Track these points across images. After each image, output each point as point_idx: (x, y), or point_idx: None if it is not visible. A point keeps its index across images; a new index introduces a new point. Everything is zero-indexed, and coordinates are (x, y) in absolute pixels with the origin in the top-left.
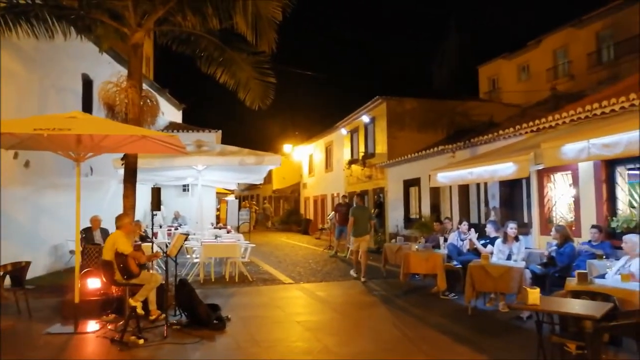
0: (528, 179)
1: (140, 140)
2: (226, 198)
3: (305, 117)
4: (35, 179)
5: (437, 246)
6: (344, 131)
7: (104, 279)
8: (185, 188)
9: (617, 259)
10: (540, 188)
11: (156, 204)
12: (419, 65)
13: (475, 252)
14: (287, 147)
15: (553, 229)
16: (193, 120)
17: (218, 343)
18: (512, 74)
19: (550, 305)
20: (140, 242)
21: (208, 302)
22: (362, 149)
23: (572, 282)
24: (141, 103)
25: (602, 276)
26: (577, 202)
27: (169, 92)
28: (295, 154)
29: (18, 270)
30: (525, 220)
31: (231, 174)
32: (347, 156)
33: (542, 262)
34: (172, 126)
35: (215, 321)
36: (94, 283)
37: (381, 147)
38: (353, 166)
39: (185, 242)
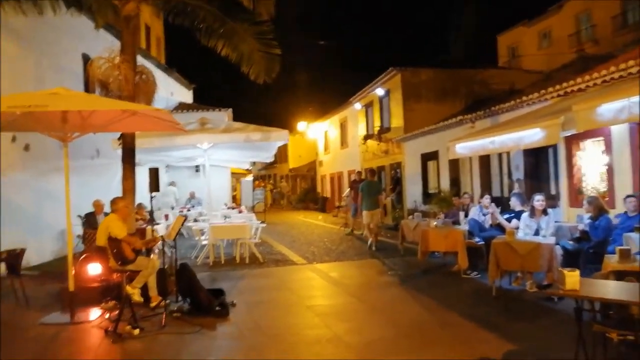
0: (555, 148)
1: (131, 117)
2: (244, 179)
3: (319, 93)
4: (36, 163)
5: (457, 222)
6: (358, 106)
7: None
8: (197, 169)
9: None
10: (569, 157)
11: (154, 185)
12: (435, 36)
13: (499, 228)
14: (301, 125)
15: (585, 201)
16: (205, 100)
17: (219, 332)
18: (533, 41)
19: (593, 290)
20: (145, 226)
21: (215, 286)
22: (377, 123)
23: (611, 260)
24: (136, 79)
25: None
26: (610, 170)
27: (177, 71)
28: (310, 132)
29: (13, 257)
30: (553, 192)
31: (239, 152)
32: (362, 132)
33: (574, 237)
34: (181, 106)
35: (217, 308)
36: (94, 269)
37: (397, 120)
38: (369, 141)
39: (195, 224)
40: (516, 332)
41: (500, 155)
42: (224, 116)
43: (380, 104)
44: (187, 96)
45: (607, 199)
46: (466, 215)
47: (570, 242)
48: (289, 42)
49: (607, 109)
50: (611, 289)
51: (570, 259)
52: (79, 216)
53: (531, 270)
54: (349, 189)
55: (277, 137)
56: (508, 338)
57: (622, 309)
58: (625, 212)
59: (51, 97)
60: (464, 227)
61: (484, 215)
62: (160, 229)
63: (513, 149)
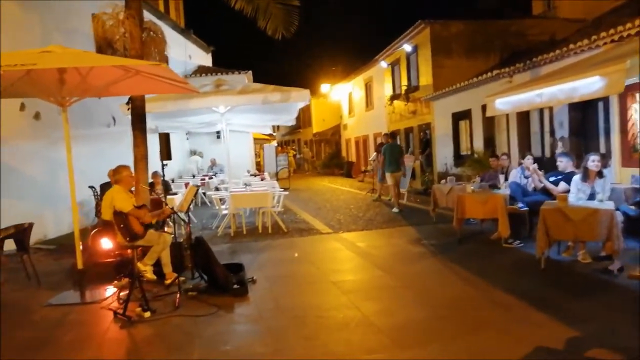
0: (606, 102)
1: (134, 77)
2: (268, 144)
3: (343, 53)
4: (48, 132)
5: (495, 186)
6: (383, 64)
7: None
8: (218, 135)
9: None
10: (623, 110)
11: (165, 152)
12: None
13: (544, 192)
14: (324, 87)
15: None
16: (226, 63)
17: (236, 314)
18: None
19: None
20: (161, 194)
21: (234, 260)
22: (404, 82)
23: None
24: (143, 36)
25: None
26: None
27: (194, 33)
28: (334, 94)
29: (21, 232)
30: (603, 150)
31: (259, 115)
32: (388, 92)
33: (635, 201)
34: (200, 70)
35: (235, 285)
36: (107, 243)
37: (426, 78)
38: (395, 102)
39: (216, 193)
40: (574, 313)
41: (541, 111)
42: (243, 79)
43: (408, 61)
44: (206, 59)
45: None
46: (506, 179)
47: (632, 207)
48: None
49: None
50: None
51: (632, 226)
52: (91, 187)
53: (587, 240)
54: (375, 152)
55: (298, 98)
56: (566, 320)
57: None
58: None
59: (42, 55)
60: (505, 191)
61: (526, 177)
62: (177, 199)
63: (565, 101)
